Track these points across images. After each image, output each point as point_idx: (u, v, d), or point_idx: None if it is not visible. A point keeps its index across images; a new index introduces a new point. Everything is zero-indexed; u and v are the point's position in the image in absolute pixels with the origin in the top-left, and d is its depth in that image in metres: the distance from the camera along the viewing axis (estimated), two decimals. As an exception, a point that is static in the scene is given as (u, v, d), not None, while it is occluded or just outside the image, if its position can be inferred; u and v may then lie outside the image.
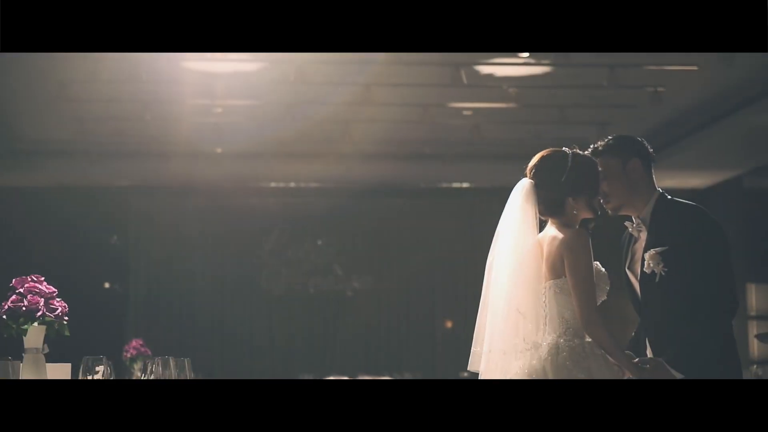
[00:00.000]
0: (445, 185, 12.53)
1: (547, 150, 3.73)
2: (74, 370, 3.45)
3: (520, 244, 3.62)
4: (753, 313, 11.13)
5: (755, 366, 9.87)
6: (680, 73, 8.31)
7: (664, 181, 9.40)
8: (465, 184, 12.41)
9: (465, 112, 9.70)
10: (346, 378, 10.84)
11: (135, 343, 7.09)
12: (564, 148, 3.73)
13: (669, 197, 3.82)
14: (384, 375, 11.02)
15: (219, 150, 10.66)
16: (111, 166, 11.20)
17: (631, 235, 3.88)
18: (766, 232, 10.93)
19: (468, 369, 3.61)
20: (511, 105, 9.31)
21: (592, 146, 3.85)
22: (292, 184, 12.37)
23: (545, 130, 9.82)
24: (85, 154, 10.62)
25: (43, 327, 3.35)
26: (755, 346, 10.89)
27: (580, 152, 3.74)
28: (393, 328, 12.57)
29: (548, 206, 3.66)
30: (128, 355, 6.98)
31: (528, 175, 3.70)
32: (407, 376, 11.22)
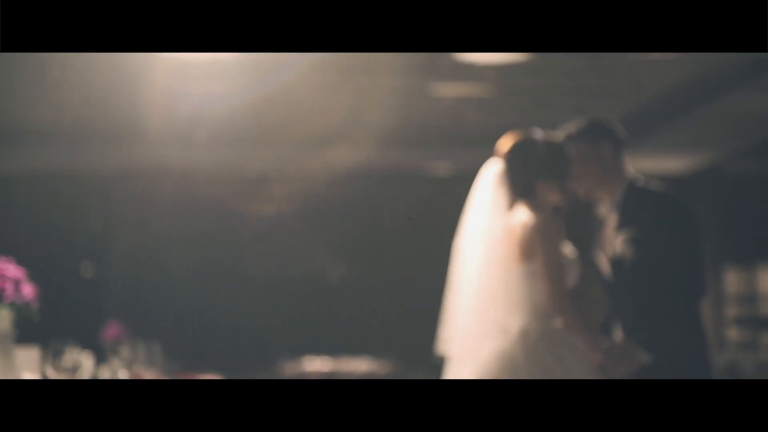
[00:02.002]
0: (427, 171, 12.52)
1: (518, 133, 3.72)
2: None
3: (490, 228, 3.61)
4: (731, 298, 11.17)
5: (732, 351, 9.93)
6: (662, 59, 8.30)
7: (645, 165, 9.37)
8: (446, 170, 12.40)
9: (446, 99, 9.68)
10: (330, 361, 10.88)
11: (112, 326, 7.07)
12: (536, 132, 3.72)
13: (641, 181, 3.82)
14: (368, 360, 11.05)
15: (200, 135, 10.61)
16: (90, 152, 11.14)
17: (603, 218, 3.88)
18: (746, 217, 10.97)
19: (438, 353, 3.62)
20: (492, 91, 9.30)
21: (563, 129, 3.84)
22: (274, 170, 12.34)
23: (526, 116, 9.80)
24: (63, 139, 10.55)
25: (11, 312, 3.33)
26: (732, 331, 10.95)
27: (552, 136, 3.73)
28: (377, 313, 12.57)
29: (519, 190, 3.65)
30: (105, 339, 6.96)
31: (499, 158, 3.69)
32: (392, 361, 11.23)
